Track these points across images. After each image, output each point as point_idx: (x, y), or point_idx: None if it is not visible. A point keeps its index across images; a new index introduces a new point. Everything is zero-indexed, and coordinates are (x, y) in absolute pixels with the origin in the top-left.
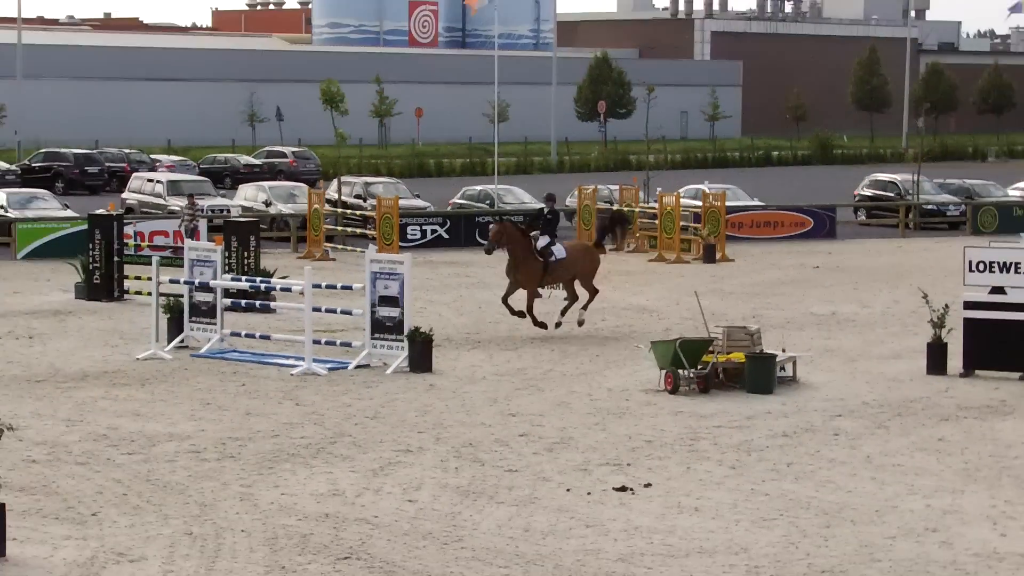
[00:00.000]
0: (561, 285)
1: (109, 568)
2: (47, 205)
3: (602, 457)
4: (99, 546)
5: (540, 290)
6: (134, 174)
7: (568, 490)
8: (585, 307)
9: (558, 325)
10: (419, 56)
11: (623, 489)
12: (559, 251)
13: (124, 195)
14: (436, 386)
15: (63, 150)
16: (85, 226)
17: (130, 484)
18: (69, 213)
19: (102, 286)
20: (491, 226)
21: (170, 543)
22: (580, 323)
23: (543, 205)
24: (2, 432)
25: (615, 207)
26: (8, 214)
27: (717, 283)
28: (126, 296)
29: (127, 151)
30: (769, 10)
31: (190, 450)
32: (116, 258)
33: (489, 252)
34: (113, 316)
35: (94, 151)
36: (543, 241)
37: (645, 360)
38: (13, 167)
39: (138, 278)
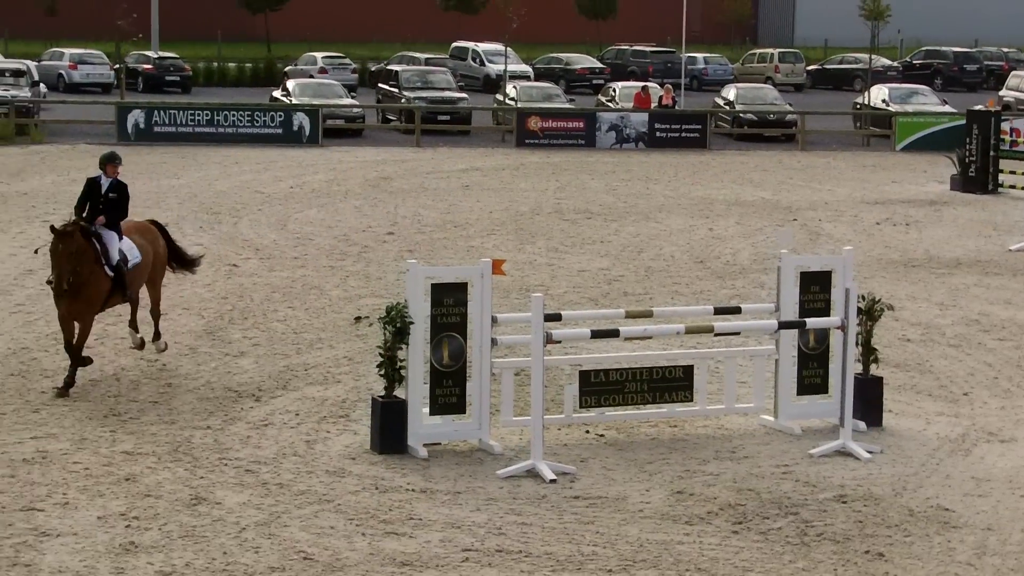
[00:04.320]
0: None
1: (980, 446)
2: (926, 100)
3: None
4: (970, 424)
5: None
6: (1012, 72)
7: None
8: (152, 323)
9: (150, 341)
10: None
11: None
12: (132, 251)
13: (1002, 92)
14: None
15: (943, 48)
16: (962, 121)
17: (1000, 368)
18: (947, 109)
19: (977, 179)
20: (51, 245)
21: None
22: (139, 346)
23: (98, 175)
24: (883, 312)
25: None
26: (889, 108)
27: None
28: (1000, 189)
29: (1006, 50)
30: None
31: None
32: (992, 153)
33: (51, 284)
34: (987, 208)
35: (973, 50)
36: (114, 245)
37: None
38: (895, 64)
39: (1012, 172)
